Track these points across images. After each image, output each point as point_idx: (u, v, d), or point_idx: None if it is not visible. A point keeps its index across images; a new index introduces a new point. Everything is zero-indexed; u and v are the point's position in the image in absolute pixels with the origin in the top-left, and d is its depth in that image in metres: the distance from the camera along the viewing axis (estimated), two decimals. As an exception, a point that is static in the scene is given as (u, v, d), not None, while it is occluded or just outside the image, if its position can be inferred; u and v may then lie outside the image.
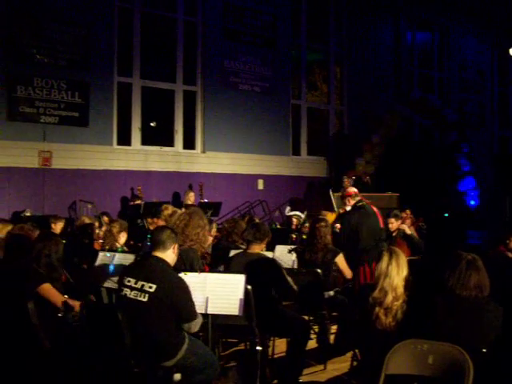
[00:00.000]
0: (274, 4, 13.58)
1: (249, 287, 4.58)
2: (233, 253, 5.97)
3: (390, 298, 4.07)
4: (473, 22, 17.41)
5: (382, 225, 7.24)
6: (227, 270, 5.23)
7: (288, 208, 11.72)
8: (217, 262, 6.37)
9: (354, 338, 4.93)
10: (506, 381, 3.75)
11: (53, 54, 10.74)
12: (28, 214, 9.56)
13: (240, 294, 4.43)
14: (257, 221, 8.07)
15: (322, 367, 5.68)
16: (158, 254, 4.21)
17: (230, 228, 7.07)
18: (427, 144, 15.87)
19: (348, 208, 7.49)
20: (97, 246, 7.24)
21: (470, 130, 16.06)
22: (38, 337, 4.36)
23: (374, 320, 4.10)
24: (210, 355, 4.31)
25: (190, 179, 12.09)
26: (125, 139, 11.83)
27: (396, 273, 4.12)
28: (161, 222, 7.15)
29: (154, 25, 12.52)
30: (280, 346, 5.82)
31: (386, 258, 4.17)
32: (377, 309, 4.09)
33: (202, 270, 4.94)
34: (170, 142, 12.48)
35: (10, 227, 6.73)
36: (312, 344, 5.86)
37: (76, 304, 4.75)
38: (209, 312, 4.41)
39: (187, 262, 5.11)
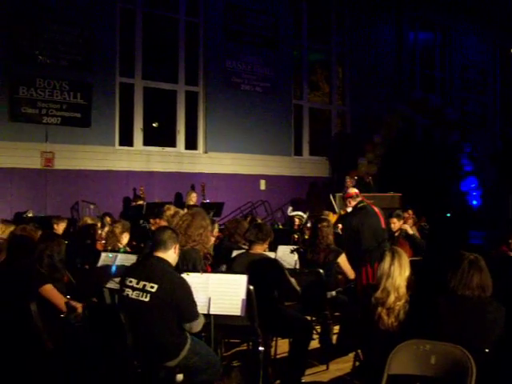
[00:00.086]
0: (275, 4, 13.58)
1: (251, 287, 4.58)
2: (235, 253, 5.97)
3: (392, 298, 4.07)
4: (475, 22, 17.39)
5: (383, 225, 7.22)
6: (229, 271, 5.23)
7: (290, 208, 11.73)
8: (218, 262, 6.37)
9: (356, 339, 4.93)
10: (508, 381, 3.75)
11: (55, 55, 10.75)
12: (30, 215, 9.57)
13: (242, 295, 4.43)
14: (259, 221, 8.07)
15: (324, 367, 5.69)
16: (160, 254, 4.21)
17: (233, 228, 7.07)
18: (429, 144, 15.84)
19: (349, 209, 7.48)
20: (99, 247, 7.24)
21: (471, 130, 16.06)
22: (40, 338, 4.37)
23: (376, 320, 4.09)
24: (212, 355, 4.32)
25: (192, 180, 12.09)
26: (127, 140, 11.84)
27: (398, 273, 4.12)
28: (163, 223, 7.15)
29: (156, 25, 12.52)
30: (282, 346, 5.82)
31: (388, 258, 4.17)
32: (379, 309, 4.09)
33: (205, 271, 4.94)
34: (172, 143, 12.48)
35: (12, 228, 6.75)
36: (314, 344, 5.86)
37: (78, 306, 4.76)
38: (211, 312, 4.41)
39: (190, 262, 5.11)
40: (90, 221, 8.22)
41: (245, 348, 5.98)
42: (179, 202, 11.62)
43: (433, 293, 4.01)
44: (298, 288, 5.24)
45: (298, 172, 13.87)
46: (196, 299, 4.16)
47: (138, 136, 11.99)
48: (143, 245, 7.51)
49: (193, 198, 11.04)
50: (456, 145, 14.55)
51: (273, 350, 5.73)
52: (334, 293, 6.23)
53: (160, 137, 12.52)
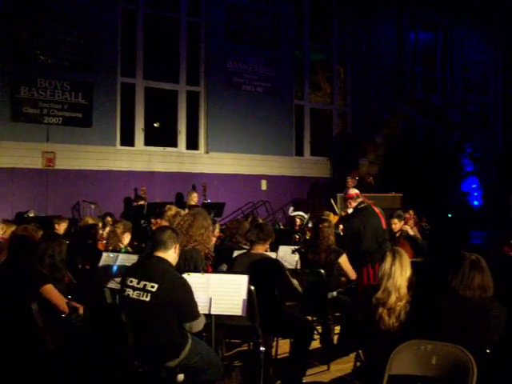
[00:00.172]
0: (276, 4, 13.59)
1: (252, 288, 4.58)
2: (236, 253, 5.97)
3: (393, 298, 4.07)
4: (476, 22, 17.39)
5: (384, 226, 7.21)
6: (230, 271, 5.23)
7: (291, 208, 11.74)
8: (219, 262, 6.38)
9: (357, 339, 4.93)
10: (509, 381, 3.74)
11: (56, 55, 10.76)
12: (31, 215, 9.57)
13: (243, 295, 4.43)
14: (260, 221, 8.06)
15: (325, 368, 5.69)
16: (160, 254, 4.22)
17: (234, 229, 7.07)
18: (430, 144, 15.82)
19: (350, 210, 7.47)
20: (100, 247, 7.25)
21: (473, 130, 16.05)
22: (41, 338, 4.37)
23: (377, 320, 4.09)
24: (213, 355, 4.32)
25: (194, 180, 12.10)
26: (128, 140, 11.85)
27: (399, 273, 4.12)
28: (164, 223, 7.14)
29: (158, 25, 12.53)
30: (283, 346, 5.81)
31: (389, 259, 4.17)
32: (380, 309, 4.09)
33: (206, 271, 4.94)
34: (173, 143, 12.49)
35: (13, 228, 6.75)
36: (315, 344, 5.86)
37: (79, 307, 4.77)
38: (212, 312, 4.41)
39: (191, 262, 5.11)
40: (91, 221, 8.23)
41: (246, 348, 5.98)
42: (180, 202, 11.63)
43: (434, 293, 4.01)
44: (299, 288, 5.24)
45: (300, 172, 13.87)
46: (197, 299, 4.16)
47: (139, 136, 11.99)
48: (144, 245, 7.51)
49: (194, 199, 11.04)
50: (457, 145, 14.55)
51: (274, 350, 5.73)
52: (334, 293, 6.23)
53: (161, 137, 12.53)
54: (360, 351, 4.75)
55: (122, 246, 6.51)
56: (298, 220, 10.44)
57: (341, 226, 7.89)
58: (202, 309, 4.29)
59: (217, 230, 7.24)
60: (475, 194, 14.55)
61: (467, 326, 3.67)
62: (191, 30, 12.73)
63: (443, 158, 14.55)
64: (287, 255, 6.52)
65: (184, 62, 12.62)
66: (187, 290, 4.08)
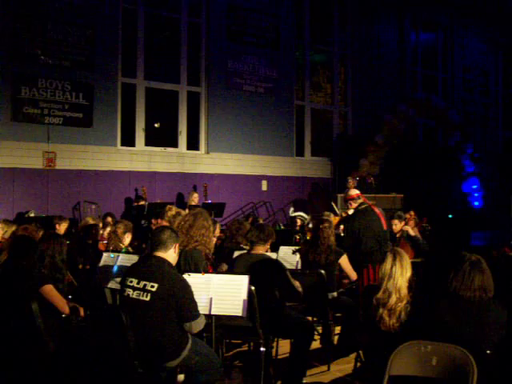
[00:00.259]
0: (277, 5, 13.59)
1: (252, 288, 4.59)
2: (237, 254, 5.97)
3: (393, 299, 4.07)
4: (477, 22, 17.38)
5: (385, 227, 7.21)
6: (231, 271, 5.23)
7: (292, 209, 11.74)
8: (219, 262, 6.38)
9: (357, 340, 4.93)
10: (510, 382, 3.74)
11: (57, 55, 10.76)
12: (32, 215, 9.58)
13: (243, 295, 4.43)
14: (261, 222, 8.06)
15: (325, 368, 5.69)
16: (160, 253, 4.21)
17: (234, 229, 7.06)
18: (431, 145, 15.86)
19: (351, 211, 7.47)
20: (101, 247, 7.25)
21: (474, 131, 16.06)
22: (42, 338, 4.37)
23: (377, 321, 4.09)
24: (213, 356, 4.32)
25: (194, 180, 12.11)
26: (129, 140, 11.85)
27: (400, 274, 4.12)
28: (164, 223, 7.14)
29: (158, 26, 12.54)
30: (284, 346, 5.82)
31: (389, 259, 4.17)
32: (380, 310, 4.09)
33: (206, 271, 4.94)
34: (173, 143, 12.49)
35: (14, 228, 6.77)
36: (316, 345, 5.87)
37: (80, 309, 4.77)
38: (212, 313, 4.42)
39: (192, 262, 5.11)
40: (91, 221, 8.23)
41: (246, 348, 5.98)
42: (181, 202, 11.63)
43: (434, 294, 4.01)
44: (300, 289, 5.24)
45: (300, 173, 13.87)
46: (197, 300, 4.16)
47: (140, 136, 11.99)
48: (145, 245, 7.52)
49: (194, 199, 11.04)
50: (458, 145, 14.56)
51: (274, 350, 5.74)
52: (335, 294, 6.24)
53: (162, 137, 12.53)
54: (360, 352, 4.75)
55: (123, 247, 6.51)
56: (298, 220, 10.45)
57: (341, 227, 7.88)
58: (203, 309, 4.29)
59: (217, 231, 7.23)
60: (476, 194, 14.58)
61: (467, 326, 3.67)
62: (192, 31, 12.72)
63: (444, 158, 14.57)
64: (288, 256, 6.53)
65: (185, 63, 12.61)
66: (187, 289, 4.08)
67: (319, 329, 6.27)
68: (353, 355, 5.26)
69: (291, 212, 11.42)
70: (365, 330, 4.38)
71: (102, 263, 5.93)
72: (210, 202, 11.19)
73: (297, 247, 6.71)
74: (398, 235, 7.93)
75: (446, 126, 14.90)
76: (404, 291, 4.10)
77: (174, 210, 7.49)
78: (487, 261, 3.91)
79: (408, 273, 4.16)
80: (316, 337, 5.84)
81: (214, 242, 6.39)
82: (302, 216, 10.50)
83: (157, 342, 4.00)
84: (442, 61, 17.26)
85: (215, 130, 12.65)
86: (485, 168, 15.02)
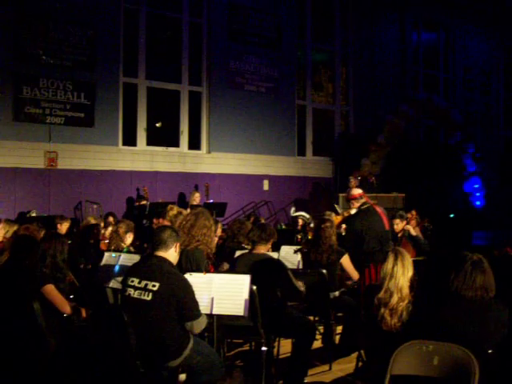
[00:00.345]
0: (278, 5, 13.59)
1: (254, 288, 4.59)
2: (238, 253, 5.97)
3: (395, 298, 4.07)
4: (479, 22, 17.36)
5: (387, 226, 7.20)
6: (232, 271, 5.23)
7: (293, 209, 11.72)
8: (220, 261, 6.38)
9: (359, 339, 4.93)
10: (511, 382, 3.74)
11: (58, 55, 10.77)
12: (34, 215, 9.59)
13: (245, 295, 4.43)
14: (262, 221, 8.05)
15: (327, 368, 5.69)
16: (161, 253, 4.22)
17: (236, 229, 7.05)
18: (432, 144, 15.85)
19: (353, 211, 7.43)
20: (103, 247, 7.25)
21: (475, 130, 16.05)
22: (44, 337, 4.38)
23: (379, 321, 4.09)
24: (215, 355, 4.32)
25: (196, 180, 12.11)
26: (130, 140, 11.86)
27: (401, 273, 4.12)
28: (166, 223, 7.14)
29: (160, 26, 12.54)
30: (285, 346, 5.82)
31: (391, 259, 4.17)
32: (382, 309, 4.09)
33: (208, 271, 4.94)
34: (175, 143, 12.50)
35: (15, 227, 6.77)
36: (317, 344, 5.86)
37: (82, 310, 4.77)
38: (214, 312, 4.42)
39: (193, 262, 5.11)
40: (93, 220, 8.23)
41: (247, 348, 5.98)
42: (182, 201, 11.63)
43: (436, 293, 4.00)
44: (302, 288, 5.24)
45: (302, 172, 13.87)
46: (199, 299, 4.16)
47: (142, 136, 12.00)
48: (146, 245, 7.52)
49: (196, 199, 11.04)
50: (459, 145, 14.54)
51: (275, 350, 5.74)
52: (337, 293, 6.23)
53: (163, 137, 12.53)
54: (362, 351, 4.75)
55: (125, 246, 6.51)
56: (299, 220, 10.44)
57: (343, 226, 7.86)
58: (204, 309, 4.29)
59: (219, 230, 7.23)
60: (477, 194, 14.56)
61: (469, 326, 3.67)
62: (193, 30, 12.73)
63: (445, 158, 14.55)
64: (289, 255, 6.52)
65: (186, 62, 12.62)
66: (188, 289, 4.08)
67: (321, 328, 6.27)
68: (354, 355, 5.25)
69: (292, 212, 11.40)
70: (366, 329, 4.38)
71: (103, 263, 5.93)
72: (211, 201, 11.19)
73: (298, 247, 6.70)
74: (399, 235, 7.92)
75: (448, 126, 14.89)
76: (405, 291, 4.09)
77: (175, 210, 7.49)
78: (489, 260, 3.91)
79: (409, 272, 4.16)
80: (317, 336, 5.83)
81: (215, 242, 6.40)
82: (303, 216, 10.48)
83: (158, 341, 4.00)
84: (443, 60, 17.25)
85: (217, 129, 12.65)
86: (486, 167, 14.99)
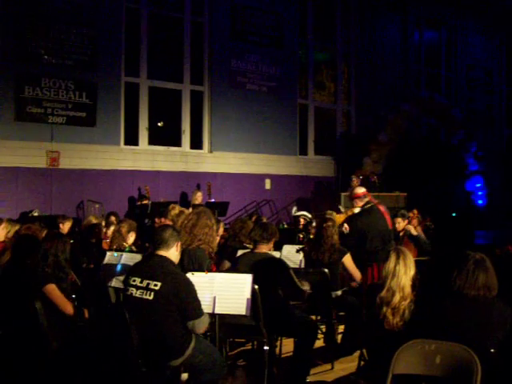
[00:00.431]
0: (280, 3, 13.58)
1: (256, 287, 4.59)
2: (240, 252, 5.97)
3: (397, 297, 4.07)
4: (481, 20, 17.35)
5: (390, 225, 7.19)
6: (234, 270, 5.23)
7: (295, 208, 11.71)
8: (221, 260, 6.38)
9: (361, 338, 4.92)
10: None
11: (60, 55, 10.77)
12: (36, 214, 9.59)
13: (247, 294, 4.43)
14: (264, 221, 8.05)
15: (329, 367, 5.69)
16: (162, 252, 4.22)
17: (238, 228, 7.05)
18: (434, 143, 15.83)
19: (356, 210, 7.41)
20: (105, 246, 7.25)
21: (477, 129, 16.03)
22: (45, 337, 4.38)
23: (381, 320, 4.09)
24: (217, 354, 4.32)
25: (198, 179, 12.11)
26: (132, 139, 11.86)
27: (403, 272, 4.12)
28: (168, 222, 7.15)
29: (162, 25, 12.54)
30: (287, 345, 5.81)
31: (393, 258, 4.17)
32: (384, 309, 4.09)
33: (210, 270, 4.94)
34: (177, 142, 12.50)
35: (17, 227, 6.77)
36: (319, 344, 5.86)
37: (84, 310, 4.78)
38: (216, 312, 4.42)
39: (195, 261, 5.11)
40: (94, 220, 8.24)
41: (250, 347, 5.98)
42: (184, 201, 11.63)
43: (438, 293, 4.00)
44: (303, 288, 5.24)
45: (303, 171, 13.86)
46: (201, 298, 4.16)
47: (143, 135, 12.00)
48: (148, 244, 7.52)
49: (198, 198, 11.04)
50: (461, 144, 14.53)
51: (278, 349, 5.74)
52: (339, 292, 6.23)
53: (165, 136, 12.53)
54: (364, 350, 4.75)
55: (127, 246, 6.51)
56: (301, 219, 10.43)
57: (346, 225, 7.86)
58: (206, 308, 4.29)
59: (221, 230, 7.23)
60: (479, 193, 14.55)
61: (471, 325, 3.66)
62: (195, 30, 12.73)
63: (447, 157, 14.54)
64: (291, 254, 6.52)
65: (188, 62, 12.62)
66: (190, 288, 4.08)
67: (323, 327, 6.27)
68: (356, 354, 5.25)
69: (294, 211, 11.39)
70: (368, 328, 4.37)
71: (105, 262, 5.93)
72: (213, 200, 11.18)
73: (300, 246, 6.70)
74: (401, 234, 7.91)
75: (450, 125, 14.87)
76: (408, 290, 4.09)
77: (177, 209, 7.50)
78: (491, 259, 3.90)
79: (411, 271, 4.16)
80: (320, 335, 5.84)
81: (217, 241, 6.40)
82: (304, 215, 10.47)
83: (160, 340, 4.00)
84: (445, 59, 17.23)
85: (218, 128, 12.65)
86: (488, 166, 14.98)
